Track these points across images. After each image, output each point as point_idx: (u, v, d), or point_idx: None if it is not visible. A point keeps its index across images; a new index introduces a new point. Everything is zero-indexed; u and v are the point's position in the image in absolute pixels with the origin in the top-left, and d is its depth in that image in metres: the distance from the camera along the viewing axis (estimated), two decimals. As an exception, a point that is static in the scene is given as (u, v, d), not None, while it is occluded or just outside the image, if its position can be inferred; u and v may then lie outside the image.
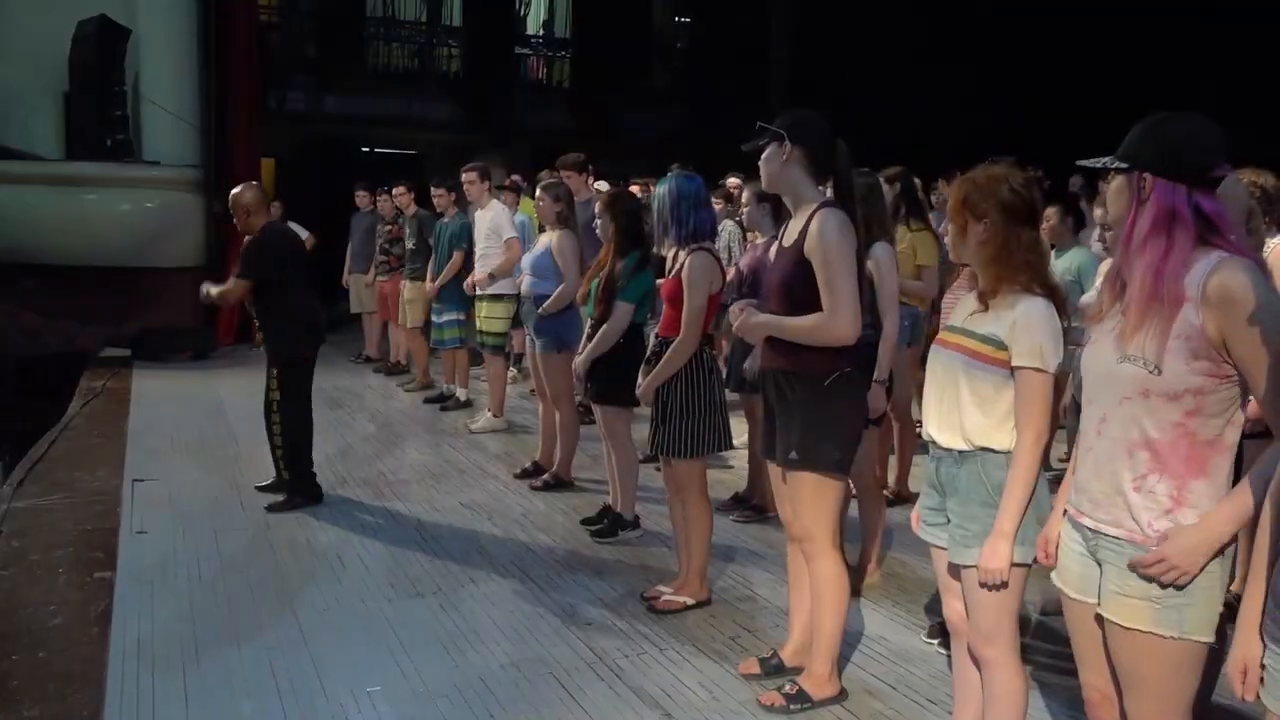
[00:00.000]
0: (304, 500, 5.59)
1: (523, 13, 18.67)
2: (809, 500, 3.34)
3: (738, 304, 3.51)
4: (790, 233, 3.39)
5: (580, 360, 5.00)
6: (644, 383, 4.24)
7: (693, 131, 17.32)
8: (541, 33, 19.17)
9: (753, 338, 3.50)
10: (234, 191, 5.70)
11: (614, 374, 4.82)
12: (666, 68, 19.44)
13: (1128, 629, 2.09)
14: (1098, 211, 4.64)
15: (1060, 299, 2.58)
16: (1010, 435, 2.55)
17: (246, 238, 5.63)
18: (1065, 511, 2.29)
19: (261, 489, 5.81)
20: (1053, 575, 2.35)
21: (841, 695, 3.46)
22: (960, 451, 2.60)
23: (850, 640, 3.86)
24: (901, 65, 14.28)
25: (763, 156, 3.38)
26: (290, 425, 5.60)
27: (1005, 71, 13.25)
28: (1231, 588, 2.13)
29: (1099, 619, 2.18)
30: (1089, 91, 11.36)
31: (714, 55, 17.58)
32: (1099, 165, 2.17)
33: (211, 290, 5.68)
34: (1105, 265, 4.67)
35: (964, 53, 13.71)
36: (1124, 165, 2.11)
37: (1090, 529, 2.18)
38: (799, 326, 3.26)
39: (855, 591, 4.14)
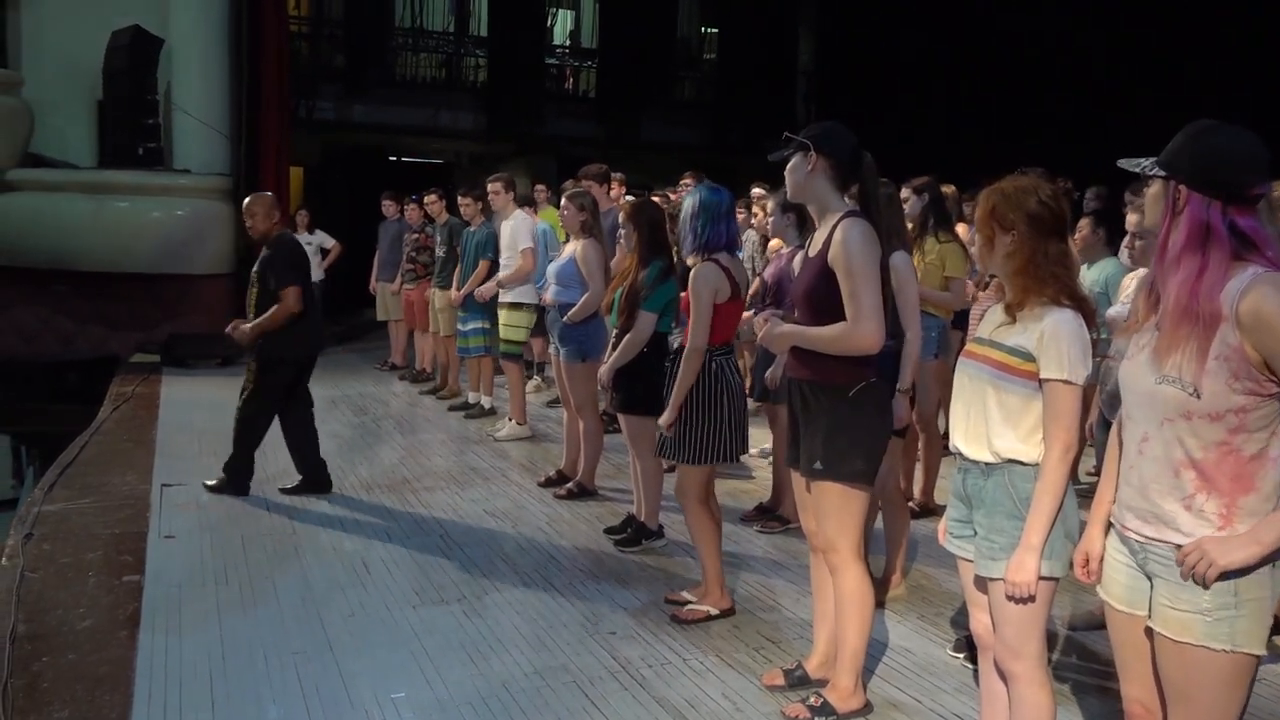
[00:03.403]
0: (231, 487, 5.86)
1: (550, 23, 18.75)
2: (833, 511, 3.33)
3: (762, 314, 3.51)
4: (815, 242, 3.39)
5: (605, 370, 5.02)
6: (670, 401, 4.22)
7: (718, 141, 17.34)
8: (568, 43, 19.25)
9: (777, 347, 3.51)
10: (247, 200, 5.94)
11: (639, 383, 4.83)
12: (693, 78, 19.45)
13: (1178, 642, 2.08)
14: (1131, 218, 4.56)
15: (1089, 311, 2.56)
16: (1038, 448, 2.53)
17: (266, 249, 5.79)
18: (1110, 525, 2.27)
19: (285, 491, 5.91)
20: (1099, 589, 2.33)
21: (866, 709, 3.44)
22: (987, 464, 2.58)
23: (875, 653, 3.84)
24: (928, 75, 14.24)
25: (788, 167, 3.39)
26: (248, 419, 5.85)
27: (1034, 81, 13.17)
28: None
29: (1148, 632, 2.17)
30: (1123, 100, 11.29)
31: (740, 66, 17.59)
32: (1138, 167, 2.14)
33: (245, 326, 5.73)
34: (1130, 277, 4.64)
35: (991, 64, 13.63)
36: (1161, 172, 2.09)
37: (1139, 541, 2.16)
38: (823, 336, 3.26)
39: (880, 603, 4.13)
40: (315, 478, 6.02)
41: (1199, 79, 10.52)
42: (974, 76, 13.74)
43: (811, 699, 3.42)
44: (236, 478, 5.90)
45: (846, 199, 3.39)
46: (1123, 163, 2.22)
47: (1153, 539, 2.13)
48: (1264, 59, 10.75)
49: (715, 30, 19.38)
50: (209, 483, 5.95)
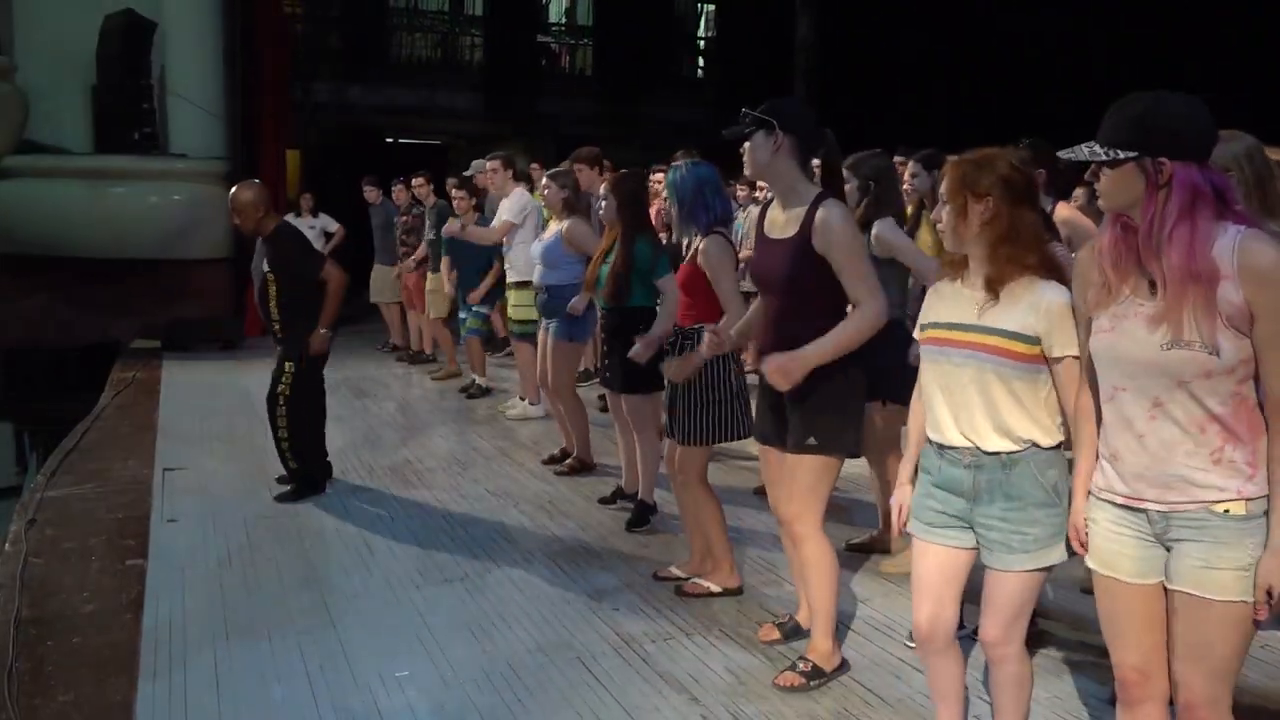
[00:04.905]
0: (310, 491, 5.60)
1: (545, 0, 18.66)
2: (814, 483, 3.34)
3: (771, 359, 3.22)
4: (780, 224, 3.33)
5: (642, 348, 4.61)
6: (678, 364, 4.10)
7: (718, 118, 17.26)
8: (564, 20, 19.15)
9: (793, 381, 3.19)
10: (237, 192, 5.53)
11: (629, 361, 4.77)
12: (690, 54, 19.36)
13: (1215, 601, 2.09)
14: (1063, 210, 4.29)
15: (1068, 281, 2.48)
16: (1056, 431, 2.48)
17: (268, 244, 5.54)
18: (1115, 501, 2.21)
19: (282, 480, 5.80)
20: (1091, 563, 2.29)
21: (845, 665, 3.53)
22: (1009, 454, 2.48)
23: (875, 624, 3.87)
24: (928, 76, 14.13)
25: (749, 145, 3.30)
26: (299, 420, 5.55)
27: (1034, 81, 13.06)
28: None
29: (1165, 596, 2.18)
30: (1126, 72, 11.24)
31: (738, 41, 17.50)
32: (1100, 158, 2.09)
33: (321, 331, 5.45)
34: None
35: (991, 64, 13.51)
36: (1134, 154, 2.06)
37: (1159, 511, 2.14)
38: (840, 342, 3.16)
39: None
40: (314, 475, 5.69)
41: (1199, 79, 10.46)
42: (974, 76, 13.63)
43: (800, 665, 3.47)
44: (313, 483, 5.66)
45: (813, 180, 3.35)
46: (1069, 155, 2.16)
47: (1179, 504, 2.11)
48: (1264, 59, 10.69)
49: (712, 6, 19.28)
50: (278, 495, 5.58)
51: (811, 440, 3.29)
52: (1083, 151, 2.13)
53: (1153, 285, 2.10)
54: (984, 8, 13.61)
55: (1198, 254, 2.02)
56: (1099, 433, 2.26)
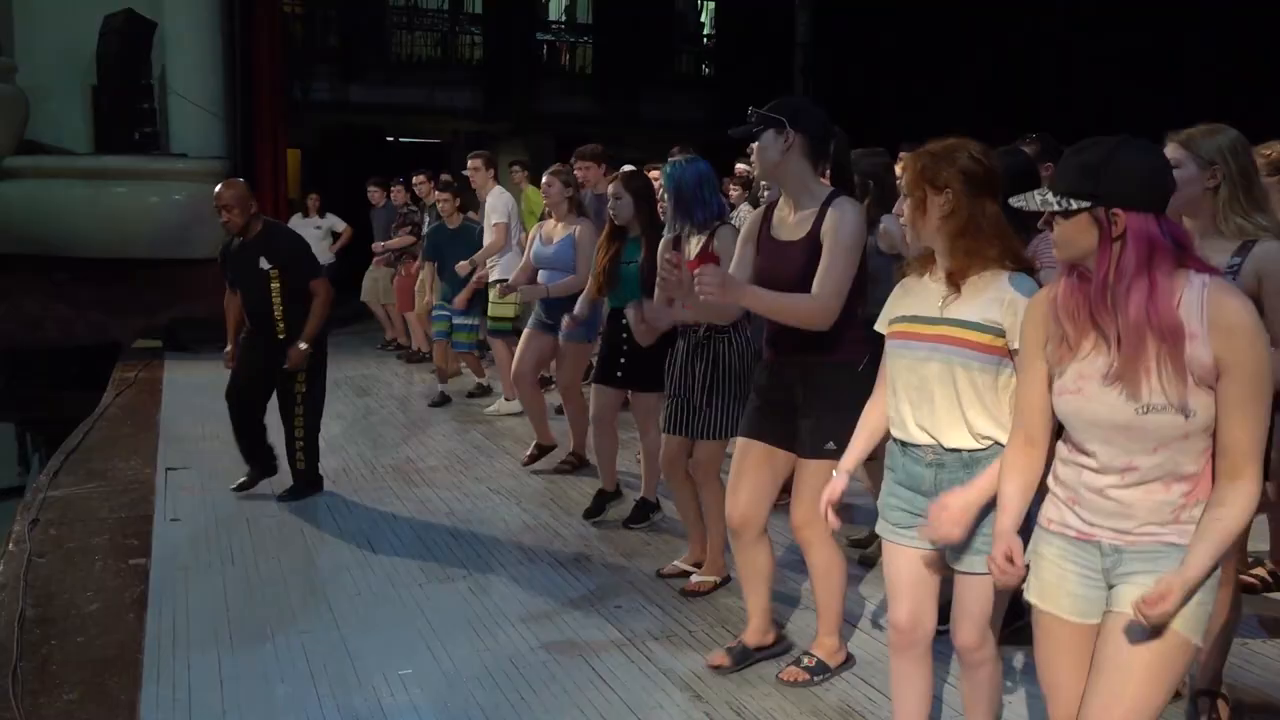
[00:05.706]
0: (312, 490, 5.58)
1: (544, -1, 18.68)
2: (821, 486, 3.29)
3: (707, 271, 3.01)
4: (790, 225, 3.29)
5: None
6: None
7: (718, 117, 17.26)
8: (563, 18, 19.14)
9: (726, 299, 3.06)
10: (227, 188, 5.38)
11: (650, 360, 4.76)
12: (691, 53, 19.36)
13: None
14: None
15: (1035, 271, 2.45)
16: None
17: (280, 238, 5.50)
18: (1067, 534, 2.11)
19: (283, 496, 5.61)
20: (1032, 598, 2.17)
21: (850, 660, 3.53)
22: (970, 452, 2.44)
23: (878, 620, 3.89)
24: (928, 48, 14.12)
25: (759, 144, 3.26)
26: (314, 417, 5.57)
27: (1035, 51, 13.06)
28: None
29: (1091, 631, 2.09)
30: (1126, 103, 11.24)
31: (738, 40, 17.48)
32: (1052, 208, 1.99)
33: (301, 346, 5.29)
34: None
35: (990, 35, 13.51)
36: (1087, 204, 1.95)
37: (1112, 544, 2.05)
38: (781, 302, 3.14)
39: (870, 561, 4.26)
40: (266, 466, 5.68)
41: (1198, 79, 10.45)
42: (974, 76, 13.60)
43: (805, 660, 3.48)
44: (310, 482, 5.61)
45: (822, 179, 3.33)
46: (1020, 203, 2.06)
47: (1136, 539, 2.03)
48: (1264, 59, 10.66)
49: (712, 4, 19.29)
50: (279, 494, 5.53)
51: (831, 445, 3.20)
52: (1035, 200, 2.02)
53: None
54: (983, 7, 13.59)
55: (1159, 309, 1.92)
56: (1054, 472, 2.15)
